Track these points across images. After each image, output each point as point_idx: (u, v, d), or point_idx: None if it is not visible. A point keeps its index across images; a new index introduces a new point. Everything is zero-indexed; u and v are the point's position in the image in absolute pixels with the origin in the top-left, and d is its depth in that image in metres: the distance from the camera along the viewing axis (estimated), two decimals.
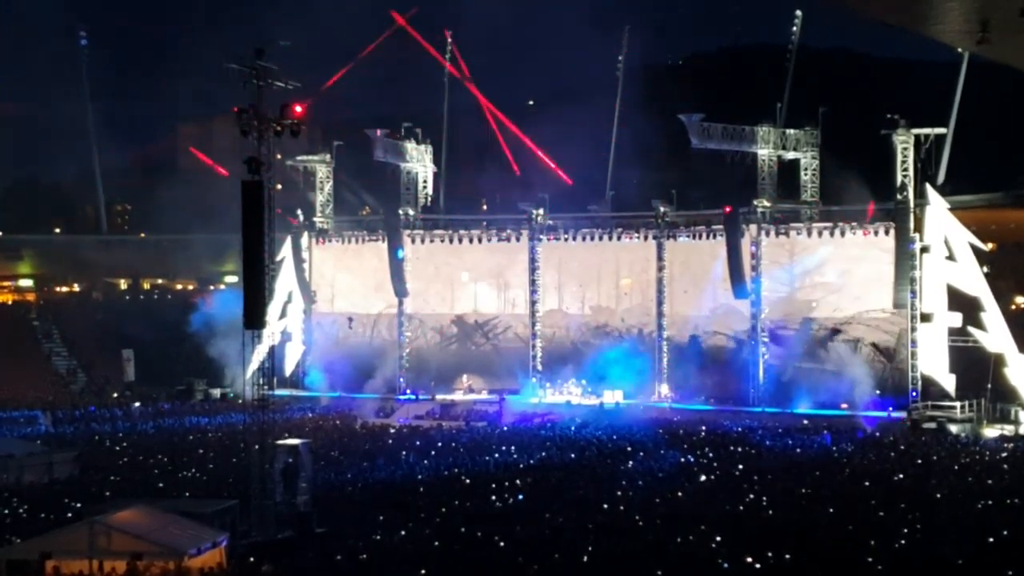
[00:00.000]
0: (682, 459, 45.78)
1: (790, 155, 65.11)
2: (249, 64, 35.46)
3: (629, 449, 48.66)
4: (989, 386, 56.20)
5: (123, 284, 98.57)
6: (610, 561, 29.17)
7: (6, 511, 36.51)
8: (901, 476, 41.78)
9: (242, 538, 32.34)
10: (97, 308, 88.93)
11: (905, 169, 59.36)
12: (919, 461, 44.94)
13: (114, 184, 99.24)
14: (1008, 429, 53.98)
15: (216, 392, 70.86)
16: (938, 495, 37.54)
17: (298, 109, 36.30)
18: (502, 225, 70.85)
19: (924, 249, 58.78)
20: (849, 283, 62.35)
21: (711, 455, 46.93)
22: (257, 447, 35.34)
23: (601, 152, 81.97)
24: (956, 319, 57.75)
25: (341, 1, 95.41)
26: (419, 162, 72.87)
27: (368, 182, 77.24)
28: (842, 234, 62.32)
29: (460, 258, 71.44)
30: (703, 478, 41.87)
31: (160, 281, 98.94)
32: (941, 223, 58.27)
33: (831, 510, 35.06)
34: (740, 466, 44.13)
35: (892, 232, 60.08)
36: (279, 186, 52.39)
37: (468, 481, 41.62)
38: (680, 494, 38.49)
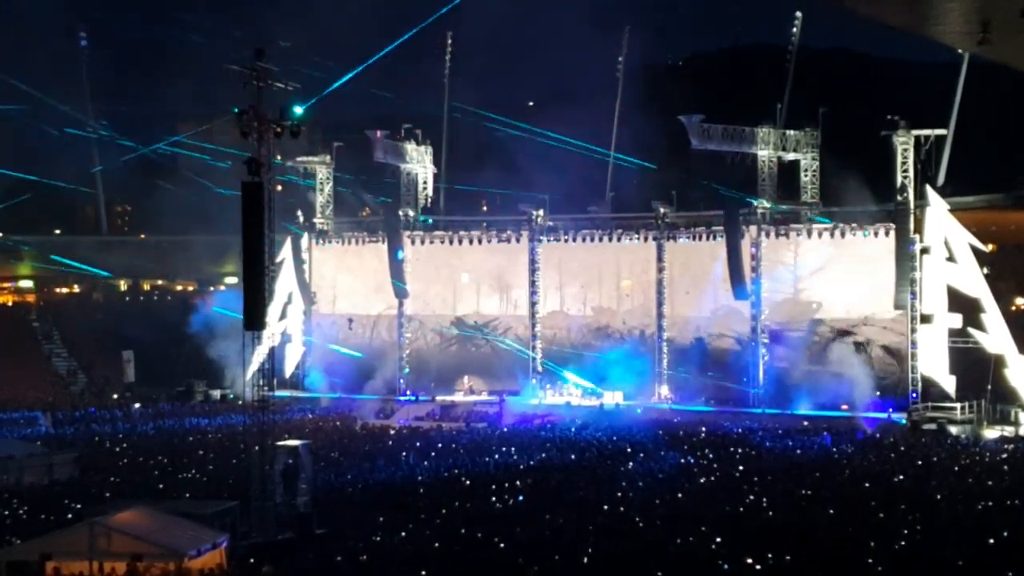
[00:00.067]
0: (682, 460, 45.81)
1: (790, 156, 64.91)
2: (249, 65, 35.48)
3: (629, 450, 48.68)
4: (989, 387, 56.24)
5: (123, 285, 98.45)
6: (610, 562, 29.19)
7: (6, 512, 36.55)
8: (901, 477, 41.82)
9: (242, 539, 32.40)
10: (97, 309, 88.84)
11: (905, 170, 59.30)
12: (919, 462, 44.97)
13: (114, 184, 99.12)
14: (1008, 430, 54.03)
15: (216, 393, 70.88)
16: (938, 496, 37.56)
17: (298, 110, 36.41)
18: (502, 226, 70.73)
19: (924, 250, 58.76)
20: (852, 285, 62.27)
21: (711, 456, 46.95)
22: (257, 448, 35.42)
23: (601, 152, 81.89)
24: (956, 320, 57.75)
25: (341, 1, 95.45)
26: (419, 163, 72.80)
27: (368, 182, 77.18)
28: (842, 235, 62.33)
29: (460, 259, 71.33)
30: (703, 479, 41.89)
31: (160, 282, 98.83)
32: (941, 224, 58.24)
33: (831, 511, 35.08)
34: (740, 467, 44.21)
35: (892, 233, 60.07)
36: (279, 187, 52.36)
37: (468, 482, 41.64)
38: (680, 495, 38.51)
